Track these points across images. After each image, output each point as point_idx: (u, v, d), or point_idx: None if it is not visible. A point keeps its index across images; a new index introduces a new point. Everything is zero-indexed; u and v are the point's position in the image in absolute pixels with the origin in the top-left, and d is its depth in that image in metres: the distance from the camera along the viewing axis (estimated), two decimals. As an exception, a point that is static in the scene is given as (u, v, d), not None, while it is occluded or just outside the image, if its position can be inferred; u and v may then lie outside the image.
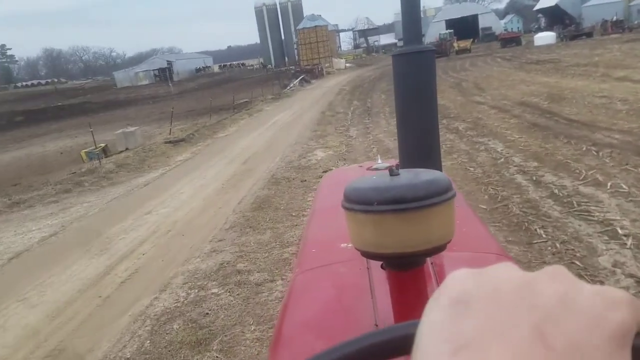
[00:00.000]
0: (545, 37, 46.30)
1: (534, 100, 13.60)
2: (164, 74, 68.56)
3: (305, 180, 8.14)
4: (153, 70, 74.74)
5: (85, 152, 12.52)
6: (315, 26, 56.18)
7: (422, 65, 1.76)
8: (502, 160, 7.63)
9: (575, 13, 64.80)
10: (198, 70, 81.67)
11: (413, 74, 1.76)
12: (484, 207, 5.58)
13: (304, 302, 1.20)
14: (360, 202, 0.87)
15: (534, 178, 6.44)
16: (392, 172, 0.90)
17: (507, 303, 0.30)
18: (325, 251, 1.43)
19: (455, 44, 52.69)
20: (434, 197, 0.85)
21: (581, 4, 63.46)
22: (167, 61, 76.72)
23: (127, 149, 13.54)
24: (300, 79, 39.69)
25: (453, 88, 21.00)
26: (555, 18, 72.72)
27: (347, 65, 60.14)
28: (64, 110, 46.41)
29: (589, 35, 44.24)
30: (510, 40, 51.11)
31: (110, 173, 10.51)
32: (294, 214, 6.24)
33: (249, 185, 8.34)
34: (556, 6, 68.58)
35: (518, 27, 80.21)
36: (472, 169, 7.42)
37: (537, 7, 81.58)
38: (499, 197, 5.84)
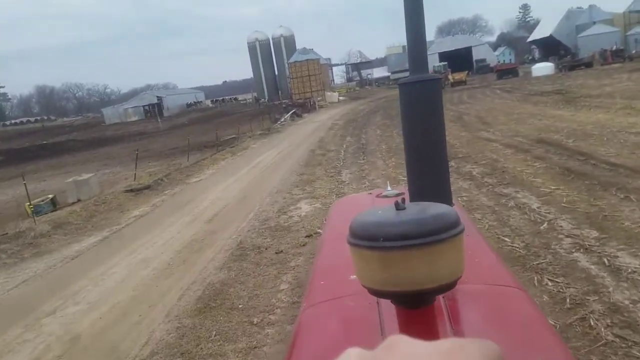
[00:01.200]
0: (543, 68, 45.14)
1: (555, 137, 11.76)
2: (154, 109, 67.12)
3: (282, 252, 6.13)
4: (143, 106, 73.19)
5: (29, 204, 10.48)
6: (307, 59, 54.97)
7: (429, 94, 1.72)
8: (546, 225, 5.66)
9: (570, 43, 64.17)
10: (189, 105, 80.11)
11: (420, 103, 1.73)
12: (551, 321, 3.56)
13: (312, 337, 1.17)
14: (366, 238, 0.84)
15: (605, 260, 4.46)
16: (399, 206, 0.87)
17: None
18: (334, 284, 1.39)
19: (450, 76, 51.52)
20: (442, 233, 0.82)
21: (576, 34, 62.82)
22: (157, 96, 75.20)
23: (78, 200, 11.52)
24: (292, 113, 38.08)
25: (454, 122, 19.23)
26: (550, 49, 72.19)
27: (341, 98, 58.88)
28: (47, 150, 44.54)
29: (589, 65, 43.12)
30: (506, 72, 49.97)
31: (42, 237, 8.43)
32: (255, 321, 4.20)
33: (205, 261, 6.31)
34: (551, 37, 68.00)
35: (510, 59, 79.60)
36: (507, 239, 5.43)
37: (531, 38, 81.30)
38: (567, 301, 3.80)
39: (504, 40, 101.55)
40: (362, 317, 1.12)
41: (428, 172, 1.75)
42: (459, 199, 7.60)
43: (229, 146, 23.15)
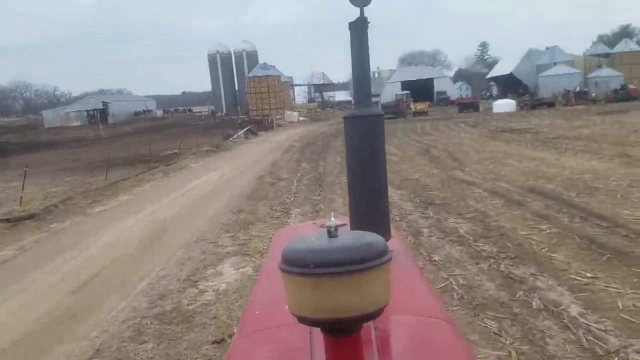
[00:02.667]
0: (504, 105, 44.50)
1: (549, 187, 9.76)
2: (98, 115, 62.71)
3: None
4: (87, 110, 68.48)
5: None
6: (267, 75, 52.49)
7: (373, 129, 1.79)
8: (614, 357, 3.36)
9: (530, 82, 64.71)
10: (137, 113, 75.94)
11: (363, 137, 1.79)
12: None
13: None
14: (297, 265, 0.84)
15: None
16: (331, 233, 0.88)
17: None
18: (269, 314, 1.40)
19: (412, 106, 50.44)
20: (369, 261, 0.83)
21: (537, 73, 63.37)
22: (103, 102, 70.65)
23: None
24: (246, 130, 35.47)
25: (422, 156, 17.23)
26: (509, 86, 72.84)
27: (301, 118, 56.77)
28: (-32, 150, 40.04)
29: (551, 105, 42.73)
30: (468, 106, 49.29)
31: None
32: None
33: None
34: (511, 75, 68.53)
35: (467, 94, 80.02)
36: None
37: (490, 74, 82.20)
38: None
39: (461, 76, 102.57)
40: (294, 347, 1.12)
41: (369, 204, 1.80)
42: (450, 277, 5.28)
43: (165, 163, 20.34)
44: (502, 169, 12.73)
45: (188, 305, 4.93)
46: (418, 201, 9.59)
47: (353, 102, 1.94)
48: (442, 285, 5.07)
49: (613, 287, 4.57)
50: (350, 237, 0.90)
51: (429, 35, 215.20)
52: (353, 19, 1.75)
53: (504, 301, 4.52)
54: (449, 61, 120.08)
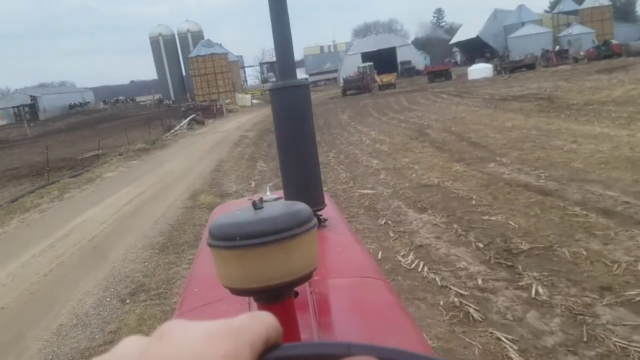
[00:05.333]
0: (480, 70, 40.45)
1: None
2: (30, 111, 55.37)
3: None
4: (13, 107, 60.62)
5: None
6: (212, 54, 46.37)
7: (299, 99, 1.77)
8: None
9: (498, 45, 61.05)
10: (72, 106, 68.39)
11: (290, 108, 1.77)
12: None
13: None
14: (223, 239, 0.85)
15: None
16: (256, 205, 0.90)
17: None
18: (207, 290, 1.36)
19: (377, 78, 45.80)
20: (295, 229, 0.85)
21: (505, 35, 59.58)
22: (31, 96, 62.73)
23: None
24: (190, 119, 30.11)
25: (420, 141, 12.67)
26: (475, 51, 69.21)
27: (254, 101, 51.38)
28: None
29: (531, 67, 38.86)
30: (439, 74, 45.02)
31: None
32: None
33: None
34: (477, 38, 64.66)
35: (425, 64, 75.93)
36: None
37: (454, 40, 78.28)
38: None
39: (418, 44, 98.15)
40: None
41: (300, 174, 1.80)
42: None
43: (74, 172, 15.12)
44: (565, 158, 8.28)
45: None
46: (481, 246, 4.95)
47: (278, 74, 1.84)
48: None
49: None
50: (275, 208, 0.90)
51: (381, 5, 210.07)
52: None
53: None
54: (405, 30, 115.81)
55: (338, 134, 16.94)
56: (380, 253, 5.18)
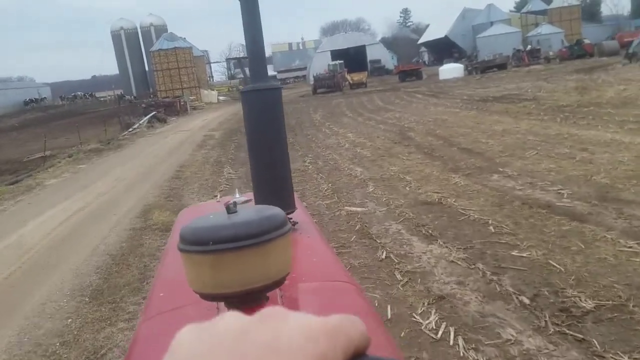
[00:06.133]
0: (452, 70, 39.77)
1: None
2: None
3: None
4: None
5: None
6: (175, 48, 44.04)
7: (270, 102, 1.75)
8: None
9: (466, 44, 60.73)
10: (27, 102, 64.66)
11: (262, 111, 1.75)
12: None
13: (148, 351, 1.09)
14: (196, 243, 0.83)
15: None
16: (230, 209, 0.87)
17: (224, 355, 0.31)
18: (174, 294, 1.31)
19: (348, 77, 44.64)
20: (269, 233, 0.84)
21: (473, 34, 59.26)
22: (-22, 92, 58.94)
23: None
24: (151, 117, 28.21)
25: (404, 145, 11.46)
26: (443, 51, 68.95)
27: (221, 98, 49.50)
28: None
29: (502, 67, 38.35)
30: (409, 73, 44.22)
31: None
32: None
33: None
34: (445, 38, 64.24)
35: (394, 63, 75.27)
36: None
37: (422, 39, 77.88)
38: None
39: (386, 43, 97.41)
40: None
41: (271, 177, 1.78)
42: None
43: (13, 178, 13.30)
44: (582, 170, 7.16)
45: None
46: (527, 302, 3.67)
47: (250, 77, 1.84)
48: None
49: None
50: (249, 212, 0.89)
51: (349, 4, 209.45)
52: None
53: None
54: (373, 30, 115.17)
55: (313, 136, 15.59)
56: (389, 308, 3.86)
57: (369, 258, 4.98)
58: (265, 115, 1.74)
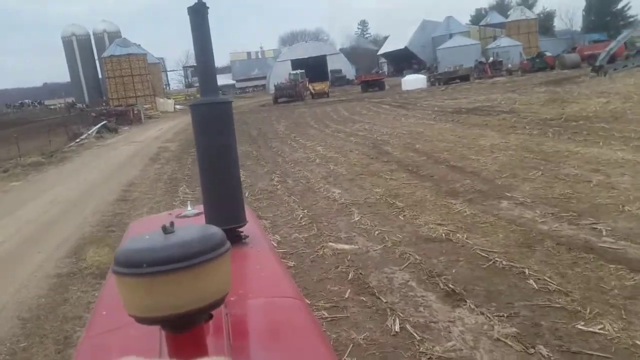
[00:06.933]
0: (415, 81, 39.15)
1: None
2: None
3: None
4: None
5: None
6: (129, 54, 41.54)
7: (221, 116, 1.74)
8: None
9: (426, 56, 60.75)
10: (-32, 110, 60.59)
11: (213, 125, 1.73)
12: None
13: None
14: (129, 265, 0.80)
15: None
16: (166, 230, 0.86)
17: None
18: (116, 313, 1.19)
19: (310, 87, 43.55)
20: (206, 254, 0.82)
21: (433, 46, 59.26)
22: None
23: None
24: (101, 126, 26.16)
25: (381, 161, 10.32)
26: (402, 62, 68.96)
27: (178, 107, 47.39)
28: None
29: (465, 78, 38.03)
30: (372, 84, 43.44)
31: None
32: None
33: None
34: (405, 49, 64.14)
35: (354, 74, 74.89)
36: None
37: (382, 51, 77.81)
38: None
39: (345, 54, 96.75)
40: (143, 345, 1.07)
41: (222, 191, 1.75)
42: None
43: None
44: (607, 197, 6.10)
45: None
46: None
47: (200, 91, 1.84)
48: None
49: None
50: (186, 232, 0.86)
51: (308, 14, 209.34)
52: (192, 3, 1.70)
53: None
54: (332, 40, 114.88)
55: (278, 149, 14.22)
56: None
57: (377, 330, 3.64)
58: (216, 129, 1.71)
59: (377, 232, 5.83)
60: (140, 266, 0.78)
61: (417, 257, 4.90)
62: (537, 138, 10.74)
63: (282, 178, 9.93)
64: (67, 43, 79.01)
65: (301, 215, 6.98)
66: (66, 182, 12.39)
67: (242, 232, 1.73)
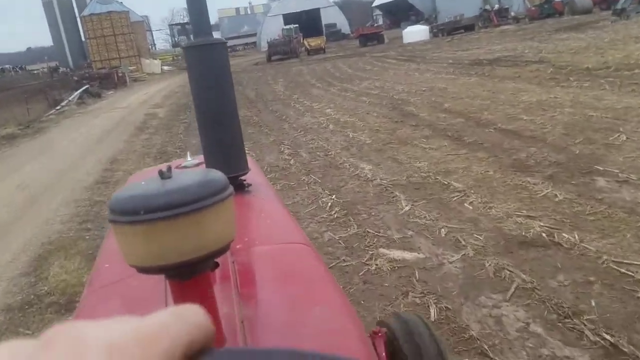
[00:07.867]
0: (417, 33, 36.93)
1: None
2: None
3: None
4: None
5: None
6: (110, 12, 38.76)
7: (216, 58, 1.65)
8: None
9: (425, 7, 57.99)
10: (-53, 77, 57.73)
11: (208, 67, 1.64)
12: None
13: None
14: (125, 213, 0.76)
15: None
16: (163, 175, 0.80)
17: None
18: (120, 265, 1.15)
19: (305, 42, 41.24)
20: (206, 199, 0.76)
21: (431, -4, 56.46)
22: None
23: None
24: (82, 91, 24.15)
25: (410, 125, 8.68)
26: (398, 13, 66.13)
27: (165, 68, 45.04)
28: None
29: (470, 28, 35.82)
30: (371, 37, 41.21)
31: None
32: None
33: None
34: (403, 0, 61.20)
35: (351, 27, 71.89)
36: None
37: (377, 2, 74.56)
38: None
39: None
40: (147, 295, 1.05)
41: (221, 138, 1.67)
42: None
43: None
44: None
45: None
46: None
47: (192, 33, 1.69)
48: None
49: None
50: (185, 177, 0.81)
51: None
52: None
53: None
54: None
55: (282, 113, 12.52)
56: None
57: None
58: (211, 72, 1.63)
59: (443, 231, 4.26)
60: (138, 213, 0.73)
61: (523, 276, 3.35)
62: (592, 91, 9.08)
63: (293, 150, 8.30)
64: (47, 5, 76.36)
65: (330, 203, 5.40)
66: (38, 159, 10.70)
67: (244, 180, 1.67)
